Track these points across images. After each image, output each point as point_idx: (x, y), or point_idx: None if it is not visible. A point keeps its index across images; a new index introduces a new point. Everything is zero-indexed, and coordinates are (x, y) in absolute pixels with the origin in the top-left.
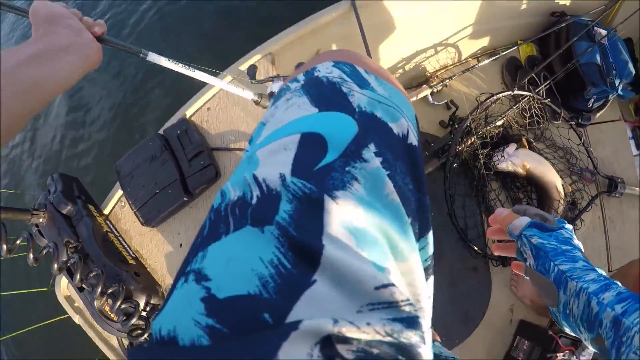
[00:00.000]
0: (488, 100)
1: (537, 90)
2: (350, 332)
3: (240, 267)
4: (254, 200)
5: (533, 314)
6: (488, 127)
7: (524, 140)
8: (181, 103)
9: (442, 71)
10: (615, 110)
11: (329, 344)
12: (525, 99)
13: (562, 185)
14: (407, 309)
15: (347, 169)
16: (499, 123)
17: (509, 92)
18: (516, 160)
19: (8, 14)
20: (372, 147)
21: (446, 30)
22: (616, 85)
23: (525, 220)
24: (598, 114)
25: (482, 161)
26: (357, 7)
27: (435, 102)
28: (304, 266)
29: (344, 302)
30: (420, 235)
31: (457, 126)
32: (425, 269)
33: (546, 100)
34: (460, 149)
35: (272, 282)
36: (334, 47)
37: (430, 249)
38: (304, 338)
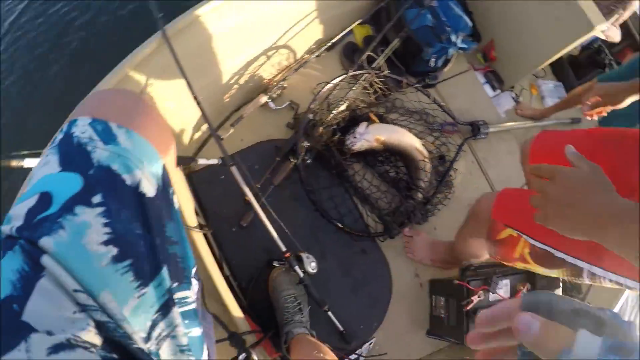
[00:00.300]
0: (325, 89)
1: (373, 65)
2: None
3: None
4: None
5: (439, 271)
6: (332, 115)
7: (372, 116)
8: None
9: (279, 75)
10: (463, 63)
11: None
12: (363, 77)
13: (423, 144)
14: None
15: (59, 220)
16: (342, 108)
17: (343, 75)
18: (369, 136)
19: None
20: (97, 198)
21: (274, 33)
22: (453, 40)
23: (595, 343)
24: (445, 71)
25: (334, 148)
26: (169, 35)
27: (277, 107)
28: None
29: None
30: (152, 274)
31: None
32: (166, 303)
33: (384, 72)
34: (308, 145)
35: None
36: (152, 82)
37: (167, 284)
38: None
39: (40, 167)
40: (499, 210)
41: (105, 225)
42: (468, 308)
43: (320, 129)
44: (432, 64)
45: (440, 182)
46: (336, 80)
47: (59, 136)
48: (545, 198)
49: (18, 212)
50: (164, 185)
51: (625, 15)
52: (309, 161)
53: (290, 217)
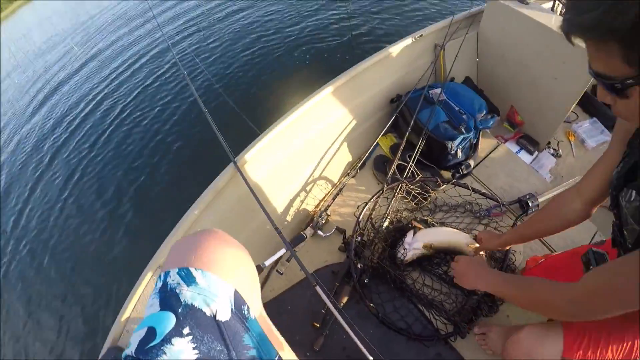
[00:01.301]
0: (364, 211)
1: (405, 174)
2: None
3: None
4: None
5: None
6: (379, 232)
7: (415, 223)
8: None
9: (321, 204)
10: (491, 139)
11: None
12: (399, 187)
13: (472, 237)
14: None
15: (162, 348)
16: (385, 224)
17: (378, 194)
18: (417, 244)
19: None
20: (186, 330)
21: (309, 166)
22: (472, 126)
23: None
24: (473, 158)
25: (387, 264)
26: (240, 167)
27: (327, 234)
28: None
29: None
30: None
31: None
32: None
33: (417, 179)
34: (361, 266)
35: None
36: (227, 214)
37: None
38: None
39: (148, 307)
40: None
41: (194, 348)
42: None
43: (372, 246)
44: (460, 155)
45: (501, 269)
46: (369, 203)
47: (158, 284)
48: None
49: (133, 340)
50: (237, 305)
51: None
52: (366, 281)
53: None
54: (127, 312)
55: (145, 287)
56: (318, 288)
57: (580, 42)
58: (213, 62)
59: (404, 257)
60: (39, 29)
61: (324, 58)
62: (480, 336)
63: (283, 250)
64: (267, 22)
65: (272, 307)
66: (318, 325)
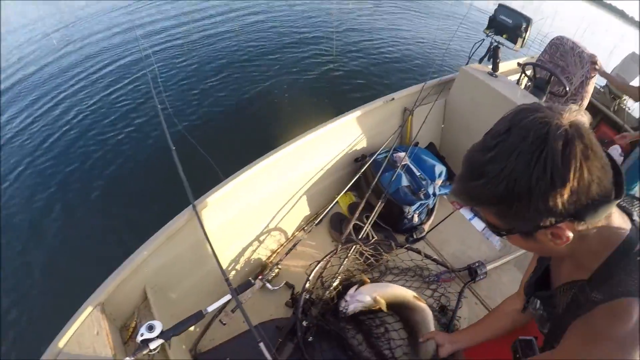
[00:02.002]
0: (317, 268)
1: (360, 234)
2: None
3: None
4: None
5: None
6: (328, 291)
7: (364, 278)
8: None
9: (273, 256)
10: (447, 205)
11: None
12: (352, 249)
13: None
14: None
15: None
16: (336, 283)
17: (330, 254)
18: (360, 297)
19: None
20: None
21: (268, 216)
22: (431, 192)
23: None
24: (429, 222)
25: (331, 319)
26: (198, 211)
27: (275, 287)
28: None
29: None
30: None
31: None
32: None
33: (371, 241)
34: (307, 324)
35: None
36: (179, 257)
37: None
38: None
39: None
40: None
41: None
42: None
43: (320, 305)
44: (416, 220)
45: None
46: (321, 262)
47: None
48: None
49: None
50: None
51: (585, 102)
52: (310, 339)
53: None
54: (60, 345)
55: (82, 323)
56: (261, 344)
57: None
58: (189, 102)
59: (346, 309)
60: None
61: (300, 108)
62: None
63: (228, 297)
64: (252, 66)
65: (210, 356)
66: None
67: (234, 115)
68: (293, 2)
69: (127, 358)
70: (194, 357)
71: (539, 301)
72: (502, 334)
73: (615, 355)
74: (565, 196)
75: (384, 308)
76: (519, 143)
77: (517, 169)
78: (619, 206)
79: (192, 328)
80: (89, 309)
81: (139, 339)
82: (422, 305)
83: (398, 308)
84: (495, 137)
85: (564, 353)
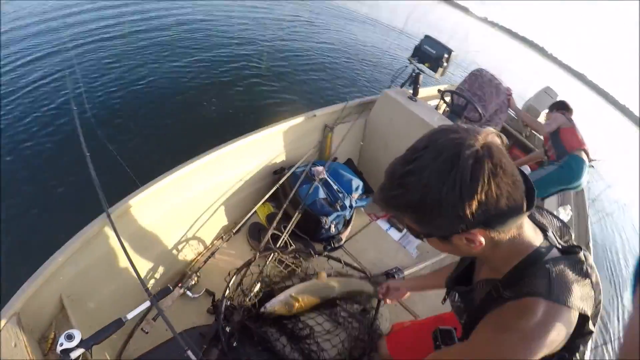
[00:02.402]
0: (235, 277)
1: (279, 243)
2: None
3: None
4: None
5: None
6: (247, 298)
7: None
8: None
9: (193, 264)
10: (364, 217)
11: None
12: (271, 256)
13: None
14: None
15: None
16: (256, 289)
17: (248, 261)
18: (280, 296)
19: None
20: None
21: (186, 225)
22: (347, 205)
23: None
24: (346, 232)
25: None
26: (113, 219)
27: (195, 295)
28: None
29: None
30: None
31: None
32: None
33: (290, 249)
34: (230, 329)
35: None
36: (95, 264)
37: None
38: None
39: None
40: (393, 351)
41: None
42: None
43: (241, 310)
44: (333, 229)
45: (370, 337)
46: (242, 271)
47: None
48: None
49: None
50: None
51: (498, 128)
52: (235, 344)
53: None
54: None
55: None
56: (189, 352)
57: None
58: (109, 106)
59: (266, 309)
60: None
61: (224, 119)
62: None
63: (147, 303)
64: (180, 73)
65: None
66: None
67: (156, 122)
68: (230, 13)
69: None
70: None
71: (457, 294)
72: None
73: (518, 344)
74: (473, 207)
75: (302, 304)
76: (433, 159)
77: (431, 182)
78: (536, 222)
79: (114, 337)
80: (4, 320)
81: (59, 349)
82: (343, 279)
83: (323, 299)
84: (414, 153)
85: (475, 341)
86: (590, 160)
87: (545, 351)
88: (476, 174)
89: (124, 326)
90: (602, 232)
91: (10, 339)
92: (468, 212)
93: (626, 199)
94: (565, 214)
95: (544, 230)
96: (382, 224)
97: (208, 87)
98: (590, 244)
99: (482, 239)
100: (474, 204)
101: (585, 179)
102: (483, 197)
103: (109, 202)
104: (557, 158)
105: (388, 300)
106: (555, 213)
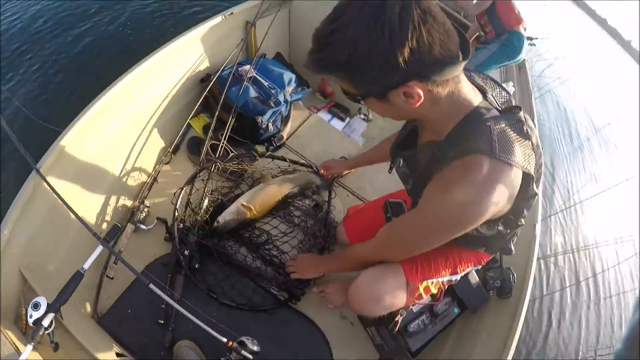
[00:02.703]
0: (180, 197)
1: (218, 152)
2: None
3: None
4: None
5: None
6: (198, 216)
7: None
8: None
9: (139, 196)
10: (303, 110)
11: None
12: (213, 168)
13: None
14: None
15: None
16: (205, 203)
17: (189, 180)
18: (233, 207)
19: None
20: None
21: (122, 158)
22: (282, 100)
23: None
24: (286, 130)
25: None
26: (43, 173)
27: (149, 226)
28: None
29: None
30: None
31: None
32: None
33: (229, 157)
34: (188, 252)
35: None
36: (41, 226)
37: None
38: None
39: None
40: (351, 233)
41: None
42: (397, 330)
43: (196, 230)
44: (271, 128)
45: (326, 229)
46: (183, 188)
47: None
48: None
49: None
50: None
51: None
52: (197, 265)
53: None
54: None
55: None
56: (152, 286)
57: None
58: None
59: (219, 223)
60: None
61: (125, 39)
62: (319, 294)
63: (100, 248)
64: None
65: (112, 315)
66: (162, 322)
67: (62, 62)
68: None
69: (29, 345)
70: (98, 321)
71: (402, 160)
72: (383, 160)
73: (466, 201)
74: (406, 55)
75: (255, 211)
76: (358, 13)
77: (357, 36)
78: (475, 84)
79: (85, 292)
80: None
81: (30, 321)
82: (290, 176)
83: (275, 202)
84: (337, 11)
85: (424, 204)
86: (529, 38)
87: (492, 209)
88: (405, 20)
89: (91, 279)
90: (545, 107)
91: None
92: (400, 59)
93: (567, 75)
94: (509, 90)
95: (483, 91)
96: (324, 115)
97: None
98: (535, 119)
99: (421, 92)
100: (406, 51)
101: (524, 54)
102: (414, 43)
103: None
104: (496, 36)
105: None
106: None
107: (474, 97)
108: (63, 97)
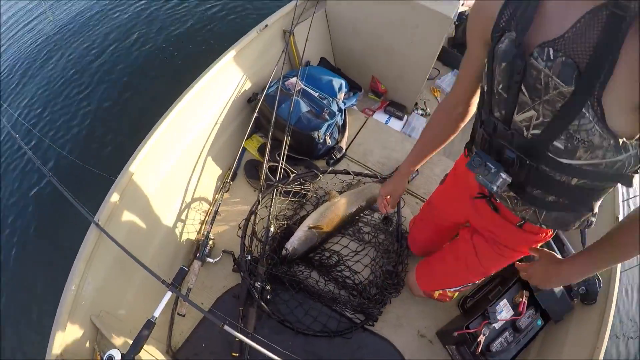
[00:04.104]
0: (242, 230)
1: (278, 174)
2: None
3: None
4: None
5: (439, 320)
6: (267, 245)
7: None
8: None
9: (203, 229)
10: (359, 115)
11: None
12: (274, 192)
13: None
14: None
15: None
16: (271, 231)
17: (252, 209)
18: (300, 232)
19: None
20: None
21: (180, 194)
22: (335, 110)
23: None
24: (344, 140)
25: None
26: (103, 225)
27: (216, 259)
28: None
29: None
30: None
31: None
32: None
33: (292, 177)
34: (260, 284)
35: None
36: (107, 278)
37: None
38: None
39: None
40: (423, 282)
41: None
42: (479, 351)
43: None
44: (329, 141)
45: (399, 242)
46: (247, 219)
47: None
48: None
49: None
50: None
51: None
52: (269, 297)
53: (283, 349)
54: None
55: None
56: (227, 327)
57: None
58: (47, 114)
59: (288, 250)
60: None
61: (167, 75)
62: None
63: (169, 294)
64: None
65: (187, 350)
66: (237, 355)
67: (104, 108)
68: None
69: None
70: (172, 356)
71: (551, 50)
72: (440, 144)
73: None
74: None
75: (324, 232)
76: None
77: None
78: None
79: (158, 332)
80: None
81: None
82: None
83: (342, 220)
84: None
85: None
86: None
87: None
88: None
89: (164, 318)
90: None
91: None
92: None
93: None
94: None
95: None
96: (380, 117)
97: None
98: None
99: None
100: None
101: None
102: None
103: (90, 210)
104: None
105: (389, 209)
106: None
107: None
108: (109, 139)
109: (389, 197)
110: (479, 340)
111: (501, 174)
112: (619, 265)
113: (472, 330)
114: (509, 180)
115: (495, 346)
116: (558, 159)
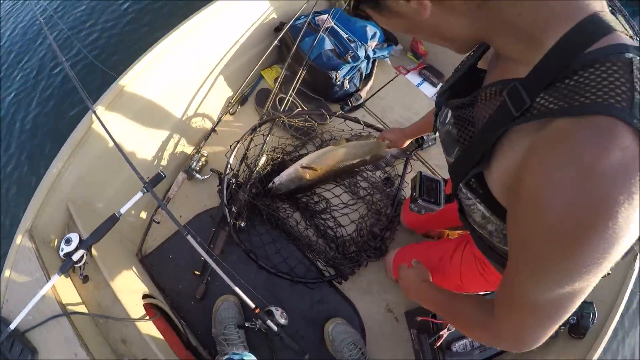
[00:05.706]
0: (235, 151)
1: (284, 106)
2: None
3: None
4: None
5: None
6: (255, 171)
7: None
8: None
9: (199, 145)
10: (389, 70)
11: None
12: (275, 122)
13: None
14: None
15: None
16: (262, 160)
17: (247, 132)
18: (292, 169)
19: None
20: None
21: (183, 104)
22: (361, 55)
23: None
24: (365, 90)
25: (261, 203)
26: (99, 115)
27: (204, 177)
28: None
29: None
30: None
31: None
32: None
33: (295, 112)
34: (236, 209)
35: None
36: (92, 167)
37: None
38: None
39: None
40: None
41: None
42: (438, 344)
43: (248, 187)
44: (347, 86)
45: (394, 205)
46: (239, 142)
47: None
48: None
49: None
50: None
51: None
52: (242, 224)
53: (244, 279)
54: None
55: (17, 253)
56: (189, 237)
57: None
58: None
59: (274, 185)
60: None
61: None
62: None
63: (139, 194)
64: None
65: (155, 257)
66: (199, 273)
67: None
68: None
69: (56, 275)
70: (140, 259)
71: (450, 112)
72: None
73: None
74: None
75: (317, 174)
76: None
77: None
78: None
79: (135, 233)
80: (19, 237)
81: (61, 253)
82: (362, 142)
83: (340, 169)
84: None
85: (514, 222)
86: None
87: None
88: None
89: (142, 222)
90: None
91: (26, 255)
92: None
93: None
94: None
95: None
96: (413, 78)
97: None
98: None
99: None
100: None
101: None
102: None
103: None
104: None
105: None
106: None
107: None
108: (126, 40)
109: (386, 139)
110: (441, 333)
111: None
112: (621, 305)
113: (437, 321)
114: None
115: (457, 347)
116: None
